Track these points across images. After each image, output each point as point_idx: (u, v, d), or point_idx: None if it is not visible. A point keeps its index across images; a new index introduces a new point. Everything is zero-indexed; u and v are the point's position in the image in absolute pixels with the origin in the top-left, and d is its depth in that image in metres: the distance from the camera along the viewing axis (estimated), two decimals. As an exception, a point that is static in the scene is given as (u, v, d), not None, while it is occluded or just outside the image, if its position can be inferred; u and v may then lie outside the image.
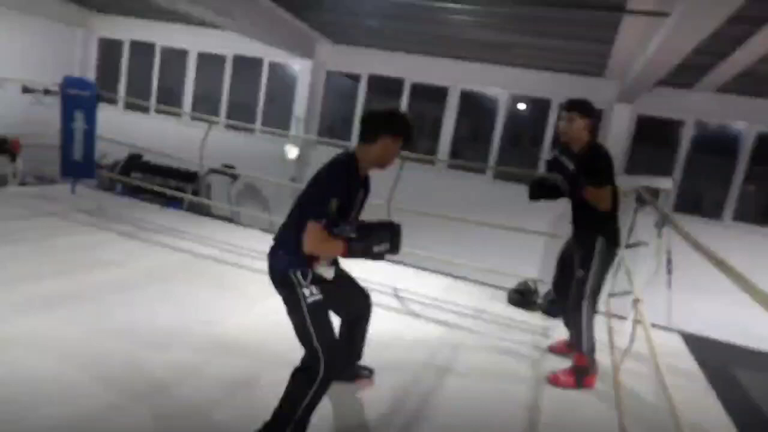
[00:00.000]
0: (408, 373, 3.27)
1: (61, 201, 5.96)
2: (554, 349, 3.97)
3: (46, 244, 4.60)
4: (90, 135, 5.88)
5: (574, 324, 3.49)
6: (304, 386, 2.25)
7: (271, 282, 2.43)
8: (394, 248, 2.45)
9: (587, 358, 3.43)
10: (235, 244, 5.42)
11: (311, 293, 2.33)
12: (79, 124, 5.74)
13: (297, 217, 2.35)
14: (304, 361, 2.33)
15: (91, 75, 11.59)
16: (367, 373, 3.05)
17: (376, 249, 2.41)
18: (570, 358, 3.60)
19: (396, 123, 2.43)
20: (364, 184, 2.55)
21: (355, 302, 2.80)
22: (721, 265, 1.94)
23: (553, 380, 3.45)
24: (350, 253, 2.37)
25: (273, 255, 2.43)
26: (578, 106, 3.33)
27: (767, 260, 7.80)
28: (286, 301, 2.38)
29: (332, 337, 2.37)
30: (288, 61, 10.31)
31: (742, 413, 4.54)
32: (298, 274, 2.33)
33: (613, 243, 3.43)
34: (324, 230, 2.25)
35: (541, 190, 3.59)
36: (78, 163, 5.86)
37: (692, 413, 3.21)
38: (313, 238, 2.25)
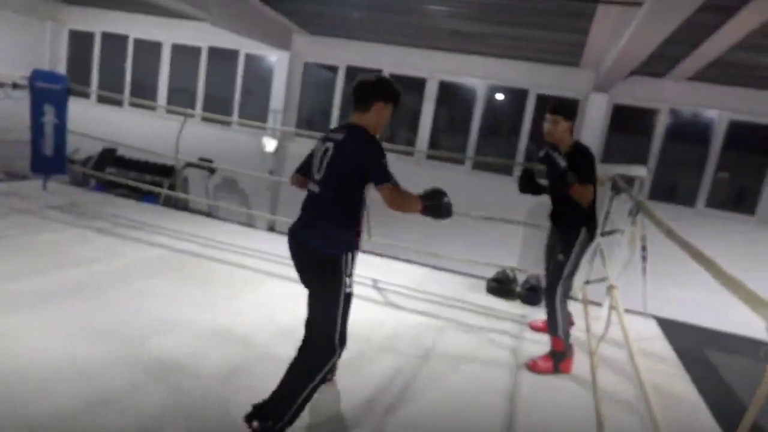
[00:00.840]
0: (388, 363, 3.28)
1: (33, 198, 5.83)
2: (534, 327, 4.17)
3: (19, 242, 4.50)
4: (61, 129, 5.74)
5: (548, 307, 3.61)
6: (313, 371, 2.29)
7: (300, 262, 2.44)
8: (450, 207, 2.54)
9: (563, 342, 3.55)
10: (214, 238, 5.38)
11: (350, 284, 2.36)
12: (49, 118, 5.60)
13: (341, 193, 2.38)
14: (313, 345, 2.36)
15: (61, 68, 11.33)
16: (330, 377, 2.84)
17: (446, 200, 2.50)
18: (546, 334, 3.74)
19: (385, 88, 2.49)
20: None
21: None
22: (692, 251, 1.98)
23: (532, 367, 3.55)
24: (426, 209, 2.44)
25: (313, 235, 2.37)
26: (561, 110, 3.55)
27: (740, 246, 8.01)
28: (321, 283, 2.37)
29: (343, 331, 2.41)
30: (264, 53, 10.20)
31: (714, 393, 4.65)
32: (349, 257, 2.34)
33: (592, 232, 3.60)
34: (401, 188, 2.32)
35: (529, 186, 3.86)
36: (49, 159, 5.72)
37: (666, 396, 3.30)
38: (397, 196, 2.31)
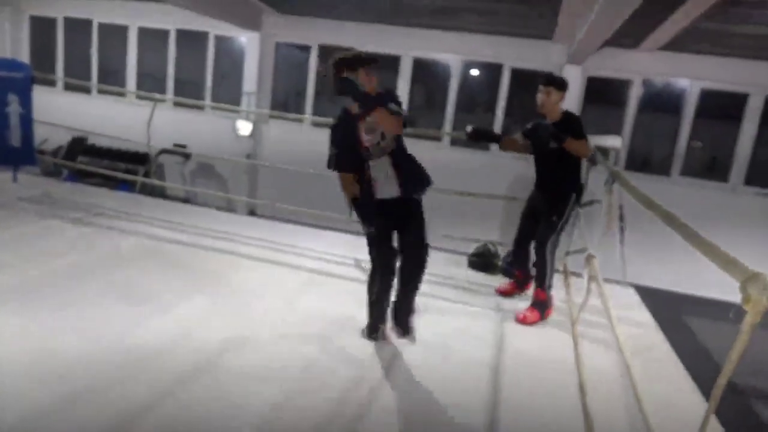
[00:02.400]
0: (372, 342, 3.29)
1: (3, 190, 5.68)
2: (501, 291, 4.35)
3: (-11, 235, 4.39)
4: (27, 119, 5.57)
5: (540, 263, 3.89)
6: (423, 269, 3.20)
7: (404, 207, 3.12)
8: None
9: (547, 294, 3.88)
10: (193, 224, 5.30)
11: None
12: (14, 107, 5.42)
13: (405, 150, 3.11)
14: (422, 251, 3.18)
15: (24, 57, 10.97)
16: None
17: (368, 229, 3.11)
18: (513, 297, 4.24)
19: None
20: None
21: None
22: (666, 216, 2.01)
23: (522, 320, 3.83)
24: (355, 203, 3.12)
25: (409, 186, 3.09)
26: (554, 81, 3.83)
27: (715, 212, 8.16)
28: (416, 215, 3.16)
29: None
30: (234, 34, 10.00)
31: (692, 356, 4.76)
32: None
33: (580, 197, 3.97)
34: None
35: (480, 133, 4.25)
36: (16, 150, 5.56)
37: (646, 361, 3.36)
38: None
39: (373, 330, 3.28)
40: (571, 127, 3.73)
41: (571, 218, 3.96)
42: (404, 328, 3.25)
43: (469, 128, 4.09)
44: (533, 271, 4.06)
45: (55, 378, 2.53)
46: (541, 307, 3.89)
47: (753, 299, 1.36)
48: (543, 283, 3.87)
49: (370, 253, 3.22)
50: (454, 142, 9.37)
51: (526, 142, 4.03)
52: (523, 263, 4.23)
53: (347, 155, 3.03)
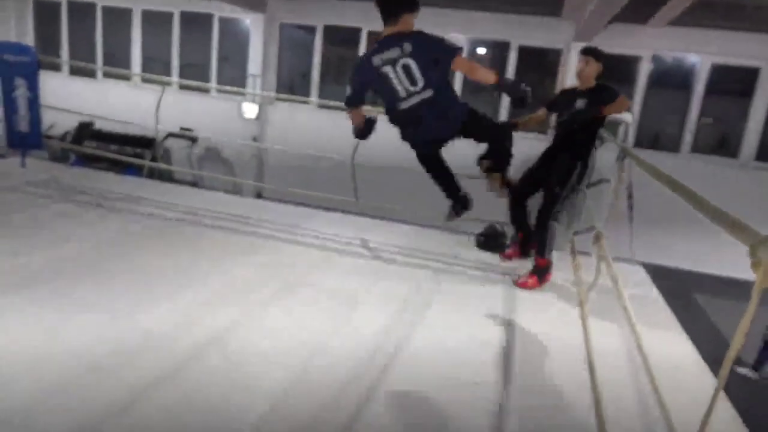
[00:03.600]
0: (380, 321, 3.30)
1: (12, 175, 5.70)
2: (506, 256, 4.49)
3: (0, 220, 4.43)
4: (34, 103, 5.58)
5: (540, 228, 4.02)
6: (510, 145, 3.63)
7: (448, 134, 3.50)
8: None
9: (547, 260, 4.02)
10: (201, 207, 5.31)
11: None
12: (21, 92, 5.42)
13: (442, 83, 3.33)
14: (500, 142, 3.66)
15: (29, 42, 10.95)
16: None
17: (523, 86, 3.30)
18: (512, 260, 4.40)
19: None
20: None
21: None
22: (676, 187, 2.00)
23: (521, 285, 3.99)
24: (502, 82, 3.41)
25: (443, 120, 3.39)
26: (593, 52, 4.05)
27: (724, 189, 8.07)
28: (478, 128, 3.57)
29: None
30: (239, 16, 9.92)
31: (701, 333, 4.75)
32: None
33: (586, 168, 4.07)
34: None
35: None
36: (24, 134, 5.57)
37: (654, 339, 3.36)
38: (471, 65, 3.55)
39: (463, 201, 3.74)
40: (604, 93, 3.94)
41: (573, 191, 4.07)
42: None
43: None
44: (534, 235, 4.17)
45: (67, 357, 2.57)
46: (541, 273, 4.01)
47: (764, 263, 1.34)
48: (543, 252, 4.01)
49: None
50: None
51: (547, 115, 4.33)
52: (522, 222, 4.28)
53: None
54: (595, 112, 3.93)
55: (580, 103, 4.00)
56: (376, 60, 3.30)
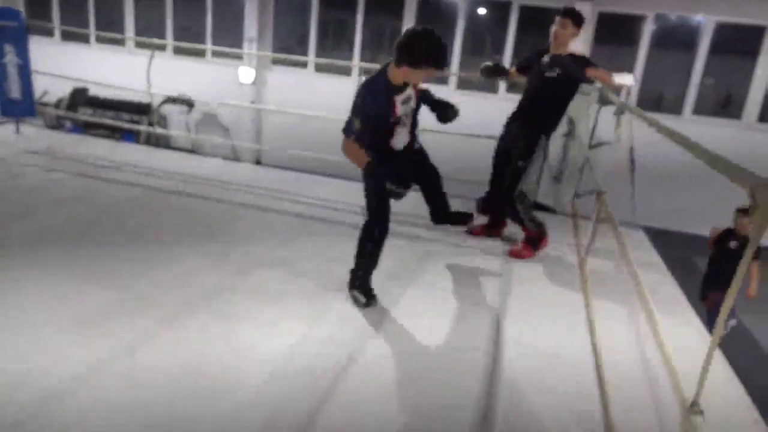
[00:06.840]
0: (396, 290, 3.29)
1: (7, 143, 5.65)
2: (475, 232, 4.25)
3: (-5, 189, 4.40)
4: (25, 70, 5.47)
5: (510, 204, 3.87)
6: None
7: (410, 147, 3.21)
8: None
9: (532, 229, 3.90)
10: (200, 174, 5.27)
11: None
12: (10, 58, 5.31)
13: None
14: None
15: (18, 5, 10.69)
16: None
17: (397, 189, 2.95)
18: (484, 237, 4.21)
19: (416, 53, 2.68)
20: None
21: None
22: (669, 133, 2.01)
23: (515, 255, 3.92)
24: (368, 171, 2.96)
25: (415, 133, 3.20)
26: (573, 14, 3.73)
27: (728, 150, 7.98)
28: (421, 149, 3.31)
29: None
30: (233, -22, 9.67)
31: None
32: None
33: (548, 139, 3.89)
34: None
35: (492, 69, 4.08)
36: (17, 101, 5.49)
37: (654, 302, 3.36)
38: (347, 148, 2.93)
39: (368, 294, 3.10)
40: (579, 58, 3.74)
41: (538, 160, 3.90)
42: (462, 216, 3.47)
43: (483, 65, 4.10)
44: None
45: (70, 326, 2.58)
46: (533, 241, 3.92)
47: (762, 206, 1.31)
48: (524, 223, 3.89)
49: (375, 208, 3.08)
50: (461, 85, 9.16)
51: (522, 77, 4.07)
52: (494, 205, 4.14)
53: (371, 128, 2.82)
54: (579, 74, 3.68)
55: (549, 71, 3.74)
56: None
